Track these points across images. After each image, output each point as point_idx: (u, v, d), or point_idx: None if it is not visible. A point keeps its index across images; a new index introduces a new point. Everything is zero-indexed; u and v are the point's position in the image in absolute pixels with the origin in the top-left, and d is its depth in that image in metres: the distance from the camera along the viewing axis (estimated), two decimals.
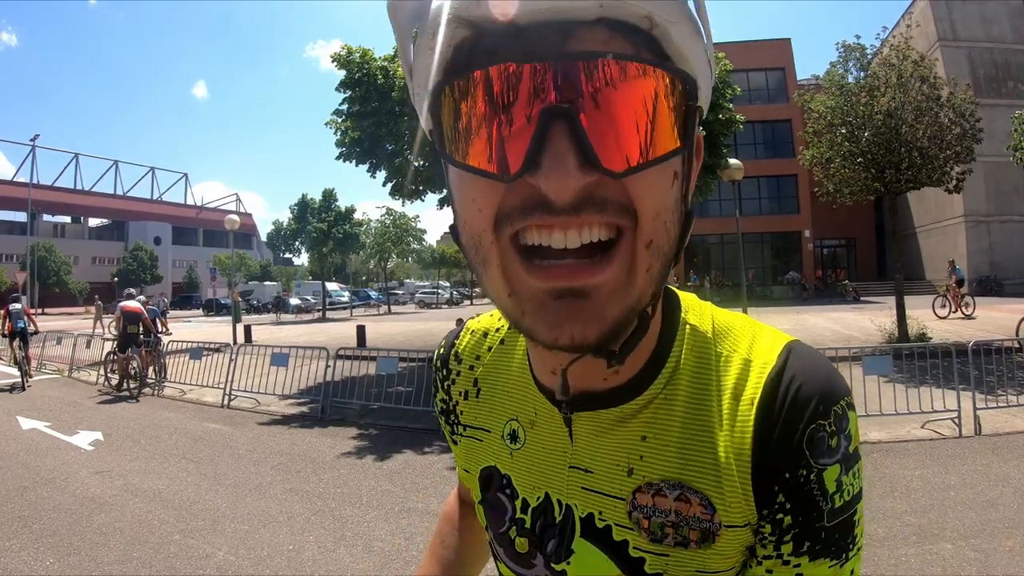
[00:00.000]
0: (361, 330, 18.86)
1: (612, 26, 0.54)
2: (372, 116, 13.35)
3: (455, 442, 0.97)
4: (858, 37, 15.85)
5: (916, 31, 18.13)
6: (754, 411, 0.68)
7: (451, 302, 60.96)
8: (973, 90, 15.41)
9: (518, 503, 0.83)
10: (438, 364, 0.98)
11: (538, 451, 0.81)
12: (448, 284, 75.33)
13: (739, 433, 0.68)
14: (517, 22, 0.53)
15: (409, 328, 26.58)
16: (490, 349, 0.91)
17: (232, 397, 10.97)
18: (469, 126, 0.56)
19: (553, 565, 0.79)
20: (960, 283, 22.48)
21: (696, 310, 0.78)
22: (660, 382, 0.72)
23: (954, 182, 15.33)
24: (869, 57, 15.82)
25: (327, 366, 10.61)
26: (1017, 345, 11.73)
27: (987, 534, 4.86)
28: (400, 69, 8.54)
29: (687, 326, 0.76)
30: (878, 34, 17.58)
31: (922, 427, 8.13)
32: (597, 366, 0.68)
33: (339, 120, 14.09)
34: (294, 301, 50.32)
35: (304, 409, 10.49)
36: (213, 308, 49.98)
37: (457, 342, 0.96)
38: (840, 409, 0.67)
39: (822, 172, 16.59)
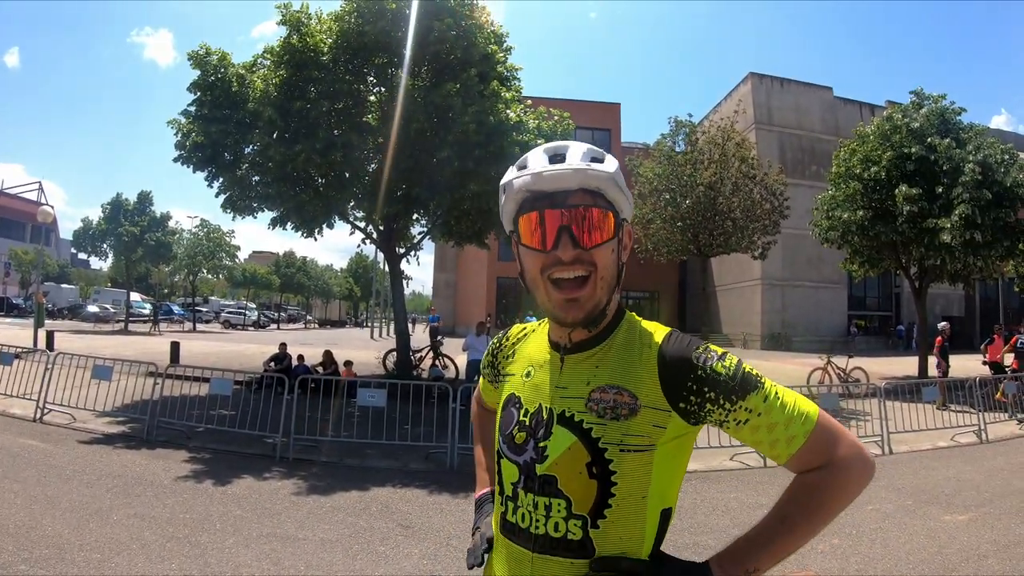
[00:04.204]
0: (176, 347, 17.96)
1: (584, 191, 1.31)
2: (221, 123, 12.89)
3: (495, 386, 1.65)
4: (690, 115, 17.38)
5: (739, 115, 20.02)
6: (655, 351, 1.33)
7: (258, 325, 57.66)
8: (784, 172, 17.34)
9: (522, 412, 1.42)
10: (495, 342, 1.68)
11: (540, 381, 1.43)
12: (254, 306, 72.30)
13: (648, 361, 1.32)
14: (547, 191, 1.31)
15: (221, 348, 25.23)
16: (524, 335, 1.61)
17: (46, 411, 10.05)
18: (531, 231, 1.33)
19: (539, 444, 1.36)
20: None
21: (633, 316, 1.44)
22: (606, 343, 1.38)
23: (760, 250, 17.00)
24: (697, 133, 17.31)
25: (155, 383, 9.98)
26: (808, 393, 13.22)
27: None
28: (258, 81, 8.60)
29: (626, 320, 1.42)
30: (707, 115, 19.30)
31: (731, 459, 9.11)
32: (580, 333, 1.37)
33: (184, 121, 13.52)
34: (92, 308, 46.38)
35: (125, 428, 9.78)
36: (3, 308, 45.49)
37: (509, 332, 1.68)
38: (704, 346, 1.32)
39: (642, 231, 17.87)
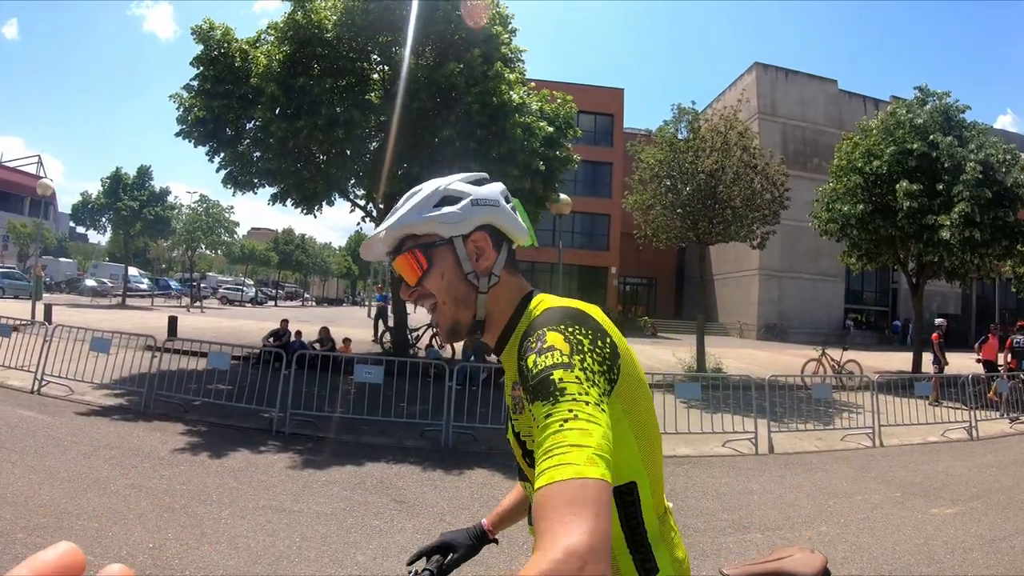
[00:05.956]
0: (173, 321, 18.01)
1: (403, 239, 1.42)
2: (223, 98, 12.84)
3: None
4: (693, 103, 17.32)
5: (743, 104, 20.02)
6: (518, 341, 1.31)
7: (255, 301, 57.72)
8: (785, 163, 17.37)
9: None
10: None
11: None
12: (252, 282, 72.16)
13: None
14: (387, 251, 1.46)
15: (217, 324, 25.24)
16: None
17: (43, 383, 10.05)
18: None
19: (507, 436, 1.44)
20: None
21: (536, 303, 1.38)
22: (512, 339, 1.37)
23: (759, 240, 17.02)
24: (700, 121, 17.29)
25: (152, 357, 10.06)
26: (801, 383, 13.39)
27: (789, 527, 5.92)
28: (261, 57, 8.56)
29: (528, 311, 1.38)
30: (711, 103, 19.17)
31: (723, 445, 9.26)
32: (487, 337, 1.45)
33: (186, 95, 13.48)
34: (90, 283, 46.22)
35: (123, 401, 9.81)
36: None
37: None
38: (540, 332, 1.19)
39: (642, 217, 17.90)
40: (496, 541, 1.84)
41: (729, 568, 1.76)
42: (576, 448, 0.94)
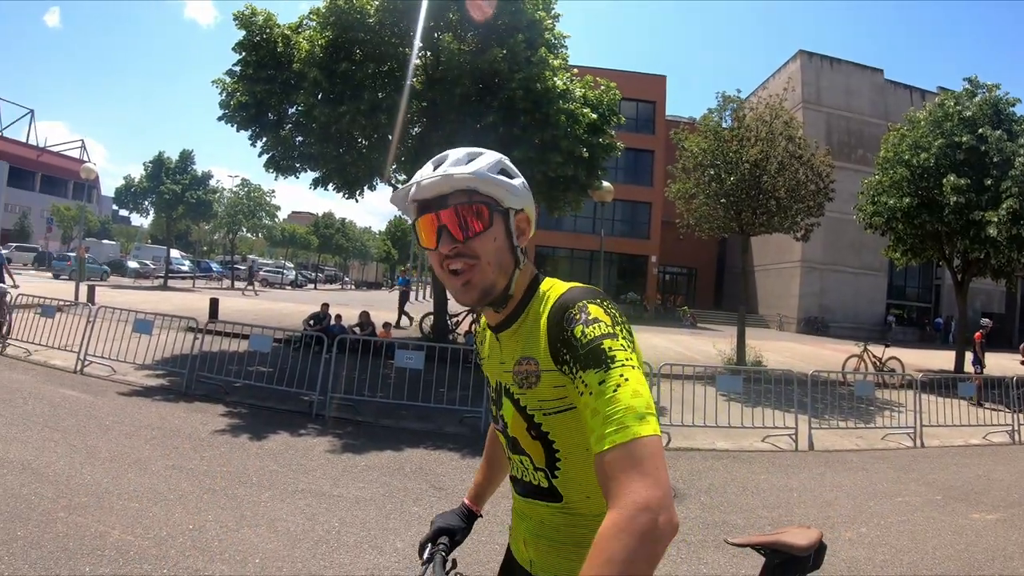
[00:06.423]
0: (215, 303, 18.24)
1: (460, 192, 1.39)
2: (266, 83, 12.92)
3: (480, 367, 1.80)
4: (738, 91, 17.09)
5: (788, 93, 19.73)
6: (544, 316, 1.37)
7: (295, 284, 58.47)
8: (830, 154, 17.08)
9: (491, 388, 1.64)
10: (478, 328, 1.78)
11: (492, 359, 1.60)
12: (292, 265, 72.88)
13: (542, 328, 1.37)
14: (426, 198, 1.42)
15: (258, 307, 25.68)
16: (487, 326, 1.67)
17: (86, 363, 10.23)
18: (422, 234, 1.45)
19: (500, 413, 1.57)
20: None
21: (547, 285, 1.48)
22: (521, 318, 1.46)
23: (802, 232, 16.80)
24: (744, 109, 17.05)
25: (194, 338, 10.22)
26: (842, 379, 13.22)
27: (828, 527, 5.79)
28: (303, 42, 8.64)
29: (539, 292, 1.46)
30: (755, 91, 18.85)
31: (763, 440, 9.19)
32: (494, 316, 1.51)
33: (228, 80, 13.60)
34: (132, 264, 46.97)
35: (164, 381, 9.99)
36: (46, 262, 46.09)
37: (481, 321, 1.71)
38: (581, 304, 1.29)
39: (685, 206, 17.74)
40: (481, 515, 1.96)
41: (734, 538, 1.98)
42: (629, 411, 1.11)
